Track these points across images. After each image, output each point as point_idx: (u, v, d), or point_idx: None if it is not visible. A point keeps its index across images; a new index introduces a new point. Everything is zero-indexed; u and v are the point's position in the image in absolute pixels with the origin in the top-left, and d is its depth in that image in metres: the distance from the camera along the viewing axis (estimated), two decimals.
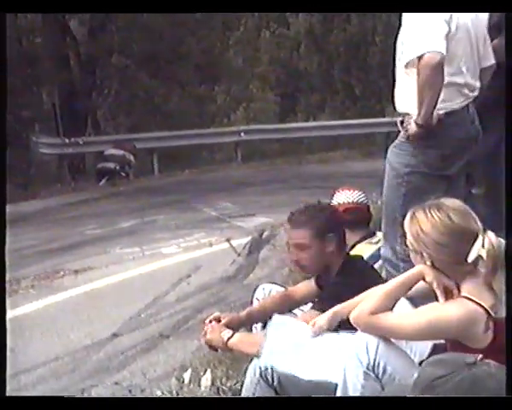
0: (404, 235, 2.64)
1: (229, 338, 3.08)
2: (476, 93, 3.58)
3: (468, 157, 3.62)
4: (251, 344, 3.03)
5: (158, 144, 15.65)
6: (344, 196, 4.24)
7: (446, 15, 3.38)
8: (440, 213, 2.48)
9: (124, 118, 19.92)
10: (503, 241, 2.44)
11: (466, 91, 3.52)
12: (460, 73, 3.49)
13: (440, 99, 3.42)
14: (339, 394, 2.57)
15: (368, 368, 2.47)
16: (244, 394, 3.02)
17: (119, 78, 18.54)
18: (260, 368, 2.94)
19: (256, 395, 2.95)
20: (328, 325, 2.77)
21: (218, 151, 18.73)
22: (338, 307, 2.78)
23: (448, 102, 3.48)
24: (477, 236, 2.44)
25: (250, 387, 2.98)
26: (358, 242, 4.12)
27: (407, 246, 2.62)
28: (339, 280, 3.18)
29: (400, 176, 3.55)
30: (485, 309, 2.37)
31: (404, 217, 3.41)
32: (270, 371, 2.92)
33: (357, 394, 2.49)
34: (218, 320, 3.23)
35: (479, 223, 2.49)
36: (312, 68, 22.01)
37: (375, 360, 2.47)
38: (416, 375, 1.79)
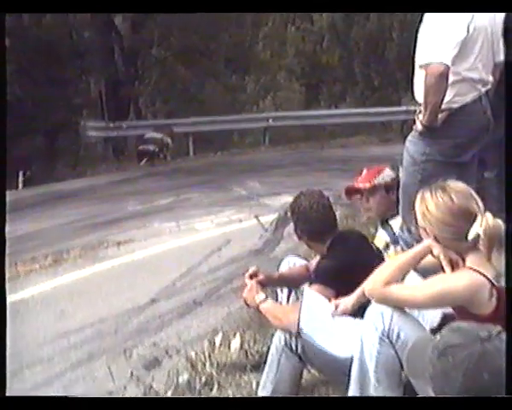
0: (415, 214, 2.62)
1: (261, 302, 3.08)
2: (489, 86, 3.53)
3: (481, 145, 3.57)
4: (275, 317, 3.00)
5: (193, 129, 15.66)
6: (389, 172, 3.95)
7: (468, 17, 3.31)
8: (444, 194, 2.48)
9: (162, 105, 19.95)
10: (501, 222, 2.43)
11: (479, 86, 3.47)
12: (475, 69, 3.44)
13: (454, 93, 3.39)
14: (356, 359, 2.55)
15: (383, 334, 2.46)
16: (269, 361, 3.00)
17: (159, 68, 18.56)
18: (285, 336, 2.92)
19: (281, 362, 2.94)
20: (352, 307, 2.74)
21: (247, 136, 18.67)
22: (361, 290, 2.72)
23: (462, 97, 3.44)
24: (476, 216, 2.43)
25: (276, 354, 2.96)
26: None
27: (417, 223, 2.61)
28: (325, 255, 3.18)
29: (417, 163, 3.51)
30: (488, 278, 2.37)
31: None
32: (294, 339, 2.90)
33: (374, 359, 2.48)
34: (256, 275, 3.21)
35: (480, 204, 2.48)
36: (334, 61, 21.82)
37: (389, 326, 2.45)
38: (437, 337, 1.75)
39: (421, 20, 3.46)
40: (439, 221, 2.48)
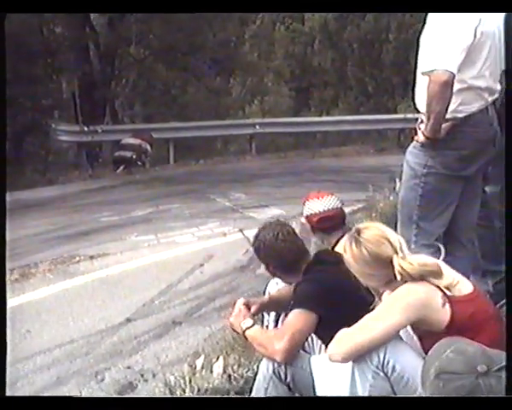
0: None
1: (247, 328, 3.06)
2: (496, 96, 3.54)
3: (487, 158, 3.59)
4: (260, 345, 2.99)
5: (174, 135, 15.64)
6: (316, 205, 3.83)
7: (475, 21, 3.33)
8: (357, 246, 2.55)
9: (141, 108, 19.94)
10: (415, 259, 2.49)
11: (486, 95, 3.49)
12: (482, 77, 3.45)
13: (459, 102, 3.41)
14: (347, 393, 2.54)
15: (377, 367, 2.45)
16: (256, 388, 2.97)
17: (137, 68, 18.54)
18: (273, 364, 2.90)
19: (268, 391, 2.90)
20: None
21: (232, 143, 18.69)
22: None
23: (467, 106, 3.45)
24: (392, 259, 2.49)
25: (263, 382, 2.93)
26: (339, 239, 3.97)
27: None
28: (302, 279, 3.14)
29: (418, 177, 3.52)
30: (435, 285, 2.44)
31: (420, 218, 3.43)
32: (283, 367, 2.87)
33: (366, 393, 2.46)
34: (247, 306, 3.17)
35: (395, 244, 2.53)
36: (326, 64, 21.92)
37: (384, 358, 2.44)
38: (444, 355, 1.79)
39: (423, 23, 3.47)
40: (361, 272, 2.56)
